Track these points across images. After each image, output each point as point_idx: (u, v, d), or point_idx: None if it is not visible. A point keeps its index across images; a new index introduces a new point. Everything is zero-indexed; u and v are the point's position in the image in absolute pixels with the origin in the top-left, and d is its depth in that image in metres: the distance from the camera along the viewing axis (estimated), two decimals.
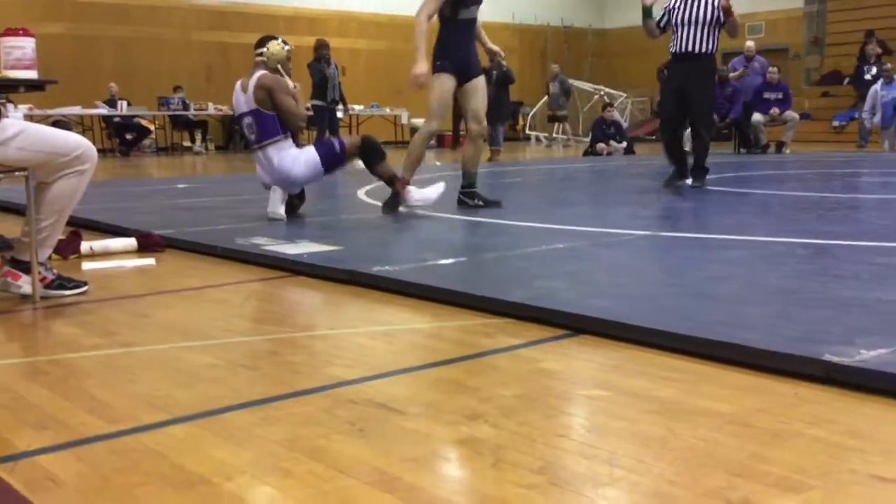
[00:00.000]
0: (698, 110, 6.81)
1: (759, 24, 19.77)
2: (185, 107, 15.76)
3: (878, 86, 13.32)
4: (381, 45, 19.08)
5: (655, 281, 3.15)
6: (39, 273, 3.15)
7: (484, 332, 2.60)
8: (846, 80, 15.93)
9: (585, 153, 13.59)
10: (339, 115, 14.54)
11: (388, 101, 18.38)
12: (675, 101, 6.94)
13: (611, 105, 14.67)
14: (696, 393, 1.98)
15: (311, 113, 11.16)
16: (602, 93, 18.94)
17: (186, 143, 16.31)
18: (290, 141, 5.23)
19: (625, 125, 15.70)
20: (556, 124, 17.32)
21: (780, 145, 12.64)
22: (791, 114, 12.80)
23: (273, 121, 5.13)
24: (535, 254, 3.80)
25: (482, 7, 5.49)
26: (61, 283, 3.22)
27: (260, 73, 5.16)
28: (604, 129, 13.65)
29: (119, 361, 2.37)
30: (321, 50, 10.86)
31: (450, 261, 3.58)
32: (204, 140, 16.54)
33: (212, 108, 16.13)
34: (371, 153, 5.41)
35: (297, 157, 5.20)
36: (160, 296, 3.29)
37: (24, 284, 3.14)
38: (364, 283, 3.27)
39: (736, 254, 3.70)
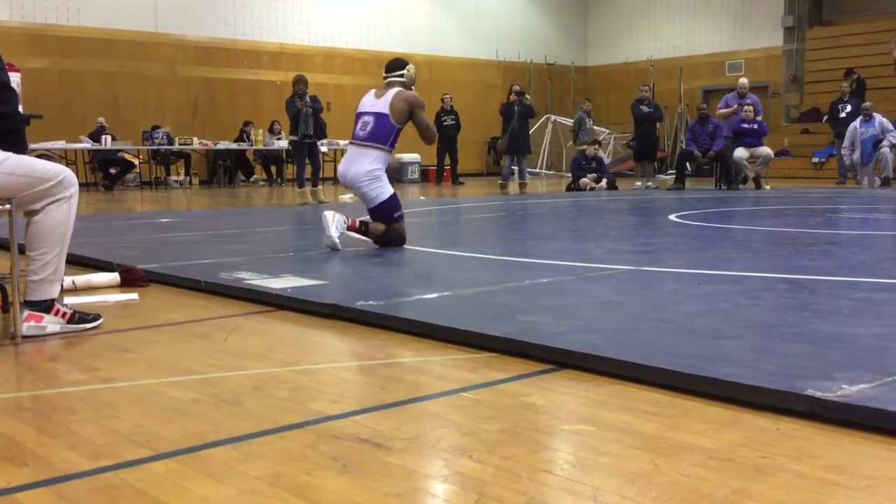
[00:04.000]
0: None
1: (739, 62, 20.09)
2: (170, 141, 15.77)
3: (857, 123, 13.53)
4: (366, 80, 19.17)
5: (638, 315, 3.17)
6: (59, 308, 3.15)
7: (468, 366, 2.60)
8: (824, 118, 16.17)
9: (568, 188, 13.68)
10: (324, 149, 14.63)
11: None
12: None
13: (598, 141, 14.81)
14: (679, 428, 1.99)
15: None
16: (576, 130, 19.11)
17: (174, 177, 16.29)
18: (385, 157, 5.39)
19: (607, 161, 15.84)
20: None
21: (757, 181, 12.78)
22: (765, 149, 12.96)
23: (391, 131, 5.36)
24: (518, 288, 3.81)
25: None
26: (81, 317, 3.22)
27: (398, 88, 5.45)
28: (585, 165, 13.77)
29: (101, 397, 2.35)
30: (297, 85, 10.96)
31: (433, 295, 3.59)
32: (188, 174, 16.53)
33: (196, 143, 16.15)
34: (397, 238, 5.45)
35: (374, 172, 5.34)
36: (143, 331, 3.27)
37: (49, 324, 3.13)
38: (348, 318, 3.27)
39: (717, 288, 3.73)
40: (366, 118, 5.41)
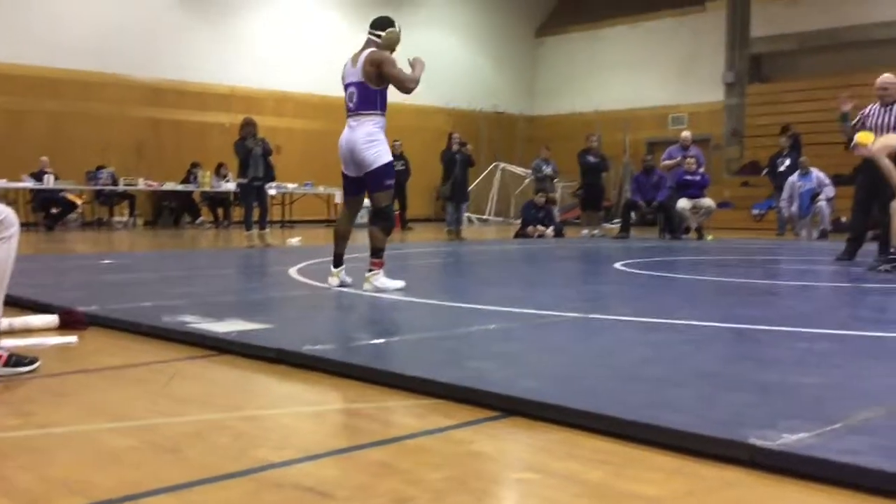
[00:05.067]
0: (889, 195, 7.21)
1: (683, 116, 20.61)
2: (115, 181, 15.54)
3: (795, 177, 13.93)
4: (316, 124, 19.23)
5: (585, 363, 3.19)
6: None
7: (415, 413, 2.58)
8: (764, 171, 16.63)
9: (516, 235, 13.80)
10: (272, 192, 14.56)
11: (322, 180, 18.46)
12: (869, 189, 7.56)
13: (543, 189, 14.98)
14: (624, 476, 1.99)
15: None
16: (533, 177, 19.36)
17: (118, 218, 16.02)
18: (380, 120, 5.39)
19: (555, 209, 16.02)
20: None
21: (700, 231, 13.04)
22: (707, 201, 13.26)
23: (374, 95, 5.34)
24: (466, 334, 3.81)
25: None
26: (18, 359, 3.11)
27: (371, 49, 5.38)
28: (534, 213, 13.92)
29: (36, 443, 2.27)
30: (245, 128, 10.95)
31: (381, 341, 3.56)
32: (132, 215, 16.29)
33: (142, 184, 15.94)
34: (389, 218, 5.48)
35: (373, 136, 5.33)
36: (81, 374, 3.18)
37: None
38: (293, 363, 3.23)
39: (663, 336, 3.77)
40: (350, 89, 5.42)
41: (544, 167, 15.22)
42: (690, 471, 2.02)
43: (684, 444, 2.15)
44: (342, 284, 5.50)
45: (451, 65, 21.46)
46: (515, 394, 2.58)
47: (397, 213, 16.60)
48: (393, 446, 2.24)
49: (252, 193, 10.99)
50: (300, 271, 6.79)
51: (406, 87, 5.39)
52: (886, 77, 7.61)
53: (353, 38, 20.34)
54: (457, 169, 13.12)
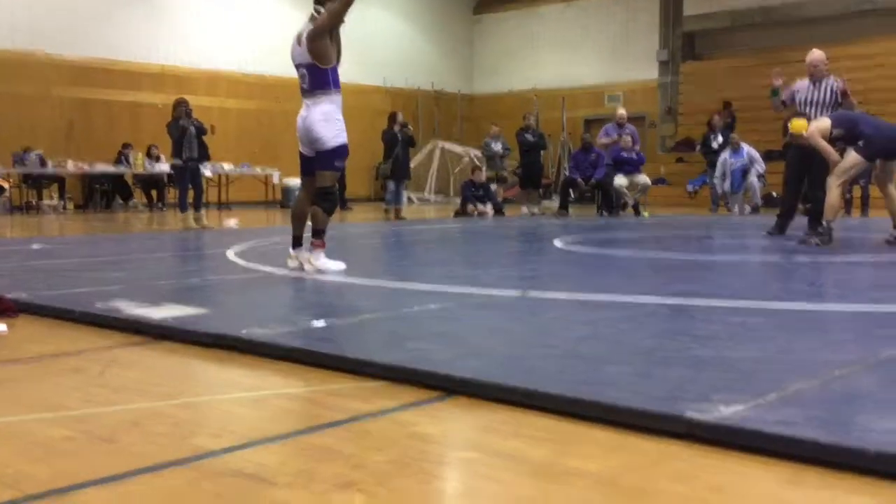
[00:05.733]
0: (819, 172, 7.47)
1: (618, 94, 20.84)
2: (43, 163, 15.09)
3: (727, 154, 14.22)
4: (251, 104, 18.94)
5: (526, 342, 3.21)
6: None
7: (357, 395, 2.57)
8: (697, 148, 16.94)
9: (456, 214, 13.82)
10: (207, 173, 14.30)
11: (259, 160, 18.20)
12: (799, 165, 7.83)
13: (480, 167, 15.02)
14: (567, 453, 2.01)
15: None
16: (472, 155, 19.39)
17: (47, 202, 15.56)
18: (336, 97, 5.31)
19: (494, 187, 16.08)
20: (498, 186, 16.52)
21: (636, 208, 13.24)
22: (643, 178, 13.46)
23: (325, 74, 5.25)
24: (407, 315, 3.80)
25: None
26: None
27: (309, 27, 5.27)
28: (473, 191, 13.95)
29: None
30: (179, 108, 10.72)
31: (322, 323, 3.54)
32: (62, 198, 15.84)
33: (71, 166, 15.50)
34: (333, 198, 5.41)
35: (330, 115, 5.26)
36: (11, 364, 3.08)
37: None
38: (232, 347, 3.18)
39: (602, 314, 3.82)
40: (301, 70, 5.35)
41: (493, 144, 15.26)
42: (631, 445, 2.05)
43: (624, 419, 2.18)
44: (301, 266, 5.42)
45: (388, 43, 21.32)
46: (458, 374, 2.58)
47: (350, 199, 16.46)
48: (335, 430, 2.22)
49: (187, 174, 10.79)
50: (238, 254, 6.69)
51: (343, 5, 5.14)
52: (816, 54, 7.79)
53: (287, 16, 20.08)
54: (398, 148, 13.11)
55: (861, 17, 17.68)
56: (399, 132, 13.24)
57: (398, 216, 12.94)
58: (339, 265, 5.38)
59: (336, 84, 5.32)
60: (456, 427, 2.27)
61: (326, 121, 5.25)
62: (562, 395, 2.33)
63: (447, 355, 2.89)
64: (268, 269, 5.61)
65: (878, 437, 1.92)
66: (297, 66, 5.36)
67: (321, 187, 5.38)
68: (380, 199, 16.61)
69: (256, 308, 4.18)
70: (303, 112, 5.36)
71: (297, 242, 5.53)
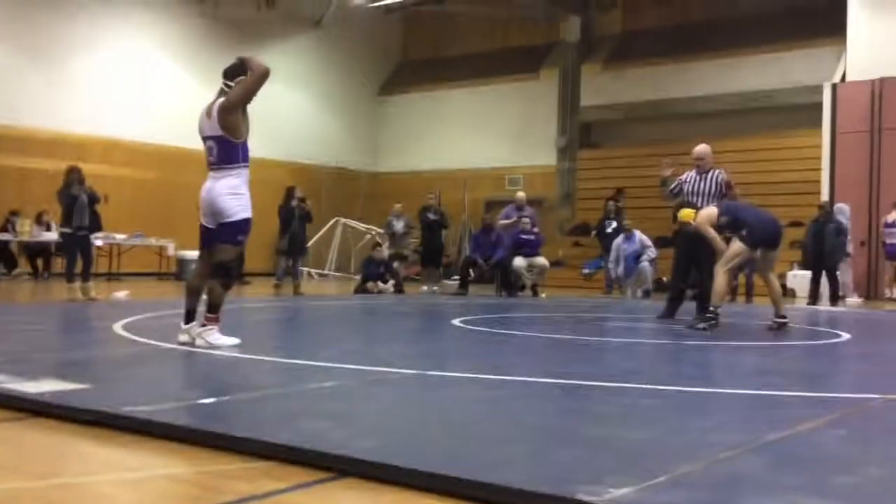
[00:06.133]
0: (706, 260, 7.77)
1: (519, 177, 21.35)
2: None
3: (619, 240, 14.69)
4: (149, 174, 18.56)
5: (422, 421, 3.18)
6: None
7: (244, 476, 2.47)
8: (592, 233, 17.45)
9: (356, 291, 13.74)
10: (98, 243, 13.84)
11: (154, 231, 17.75)
12: (688, 252, 8.24)
13: (381, 245, 15.04)
14: None
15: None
16: (373, 233, 19.43)
17: None
18: (244, 172, 5.24)
19: (395, 265, 16.11)
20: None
21: (534, 289, 13.46)
22: (541, 260, 13.74)
23: (235, 149, 5.20)
24: (301, 393, 3.72)
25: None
26: None
27: (220, 100, 5.22)
28: (375, 268, 13.93)
29: None
30: (71, 174, 10.43)
31: (211, 400, 3.42)
32: None
33: None
34: (230, 273, 5.33)
35: (237, 189, 5.19)
36: None
37: None
38: (113, 426, 3.02)
39: (498, 393, 3.83)
40: (209, 143, 5.25)
41: (395, 222, 15.34)
42: None
43: (517, 501, 2.16)
44: (192, 341, 5.23)
45: (293, 119, 21.38)
46: (349, 454, 2.52)
47: None
48: None
49: (76, 244, 10.42)
50: (126, 327, 6.44)
51: (257, 80, 5.18)
52: (702, 148, 8.21)
53: (189, 88, 19.94)
54: (295, 223, 13.09)
55: (744, 114, 18.78)
56: (296, 207, 13.24)
57: (297, 291, 12.78)
58: (233, 341, 5.25)
59: (245, 158, 5.28)
60: None
61: (232, 195, 5.18)
62: (454, 476, 2.30)
63: (340, 435, 2.83)
64: (157, 343, 5.41)
65: None
66: (206, 139, 5.28)
67: (220, 261, 5.27)
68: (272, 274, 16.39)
69: (142, 384, 4.01)
70: (208, 184, 5.27)
71: (189, 317, 5.36)
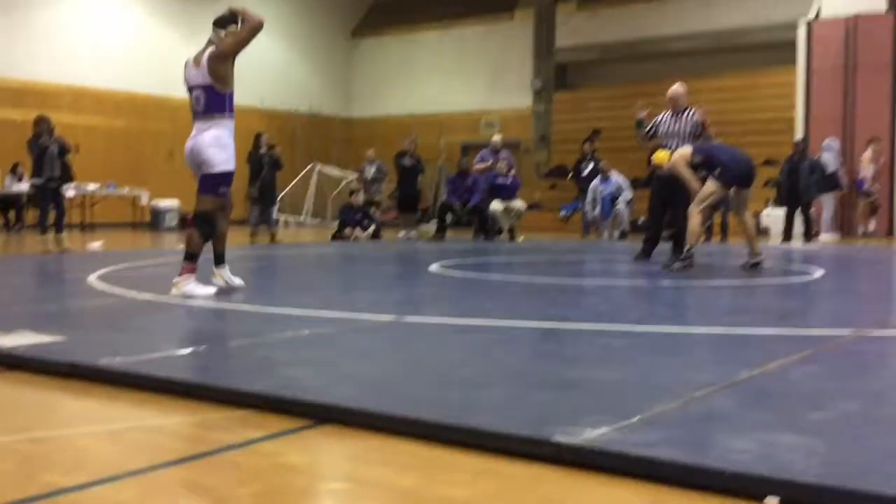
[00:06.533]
0: (681, 201, 7.73)
1: (494, 120, 21.23)
2: None
3: (596, 181, 14.69)
4: (119, 122, 18.26)
5: (399, 367, 3.19)
6: None
7: (223, 426, 2.48)
8: (569, 175, 17.44)
9: (333, 237, 13.70)
10: (70, 193, 13.67)
11: (127, 180, 17.55)
12: (663, 194, 8.18)
13: (358, 191, 14.96)
14: (435, 480, 1.99)
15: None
16: (349, 179, 19.31)
17: None
18: (230, 123, 5.27)
19: (371, 211, 16.04)
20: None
21: (512, 232, 13.48)
22: (518, 203, 13.73)
23: (222, 98, 5.22)
24: (278, 341, 3.72)
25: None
26: None
27: (210, 49, 5.22)
28: (351, 215, 13.88)
29: None
30: (39, 125, 10.22)
31: (188, 350, 3.41)
32: None
33: None
34: (211, 223, 5.33)
35: (221, 139, 5.21)
36: None
37: None
38: (89, 377, 3.01)
39: (475, 338, 3.84)
40: (196, 93, 5.26)
41: (368, 168, 15.23)
42: (500, 470, 2.06)
43: (494, 444, 2.18)
44: (227, 284, 5.40)
45: (264, 64, 20.98)
46: (327, 401, 2.53)
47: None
48: (198, 463, 2.13)
49: (48, 195, 10.27)
50: (101, 278, 6.39)
51: (251, 31, 5.20)
52: (676, 88, 8.17)
53: (159, 34, 19.53)
54: (265, 171, 12.96)
55: (719, 52, 18.70)
56: (265, 154, 13.09)
57: (273, 239, 12.72)
58: (209, 290, 5.24)
59: (231, 109, 5.28)
60: (324, 457, 2.22)
61: (217, 146, 5.20)
62: (431, 420, 2.32)
63: (318, 382, 2.83)
64: (133, 294, 5.38)
65: (736, 456, 1.99)
66: (192, 88, 5.28)
67: (201, 211, 5.28)
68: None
69: (118, 336, 3.98)
70: (193, 136, 5.29)
71: (218, 260, 5.46)
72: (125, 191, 17.23)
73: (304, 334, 3.88)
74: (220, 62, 5.16)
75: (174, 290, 5.16)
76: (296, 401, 2.57)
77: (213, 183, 5.24)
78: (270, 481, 1.97)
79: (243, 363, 3.24)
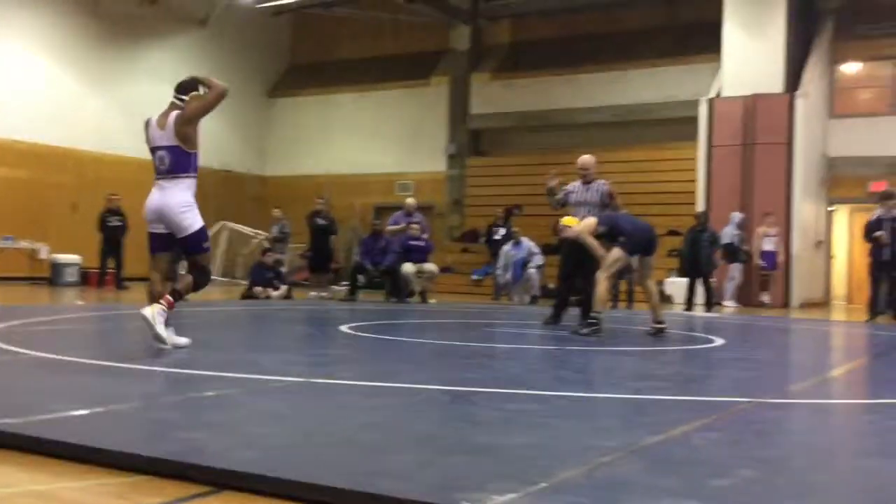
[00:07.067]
0: (589, 268, 7.88)
1: (409, 183, 21.39)
2: None
3: (508, 246, 14.91)
4: (20, 173, 17.65)
5: (306, 430, 3.11)
6: None
7: (115, 492, 2.36)
8: (481, 239, 17.66)
9: (243, 296, 13.45)
10: None
11: (26, 233, 16.92)
12: (572, 260, 8.38)
13: (270, 250, 14.78)
14: None
15: None
16: (261, 237, 19.07)
17: None
18: (193, 182, 5.51)
19: (284, 270, 15.85)
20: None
21: (423, 295, 13.49)
22: (431, 266, 13.79)
23: (188, 158, 5.46)
24: (180, 403, 3.59)
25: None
26: None
27: (176, 112, 5.45)
28: (263, 274, 13.67)
29: None
30: None
31: (83, 412, 3.26)
32: None
33: None
34: (208, 276, 5.71)
35: (188, 203, 5.45)
36: None
37: None
38: None
39: (385, 401, 3.80)
40: (160, 153, 5.48)
41: (273, 229, 15.11)
42: None
43: None
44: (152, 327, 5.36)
45: None
46: (229, 466, 2.45)
47: (112, 271, 15.59)
48: None
49: None
50: None
51: (217, 97, 5.51)
52: (586, 158, 8.42)
53: (65, 82, 19.08)
54: None
55: (627, 126, 19.40)
56: None
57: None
58: (184, 340, 5.49)
59: (196, 168, 5.56)
60: None
61: (187, 209, 5.47)
62: (335, 487, 2.26)
63: (219, 446, 2.74)
64: (28, 352, 5.14)
65: None
66: (157, 149, 5.51)
67: (202, 266, 5.65)
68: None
69: (11, 395, 3.78)
70: (157, 194, 5.49)
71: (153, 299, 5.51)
72: (24, 244, 16.60)
73: (207, 396, 3.76)
74: (186, 125, 5.44)
75: (146, 311, 5.33)
76: (194, 465, 2.47)
77: (197, 241, 5.54)
78: None
79: (140, 426, 3.12)
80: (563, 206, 8.47)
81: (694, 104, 16.60)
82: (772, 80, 15.99)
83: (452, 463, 2.59)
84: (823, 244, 17.38)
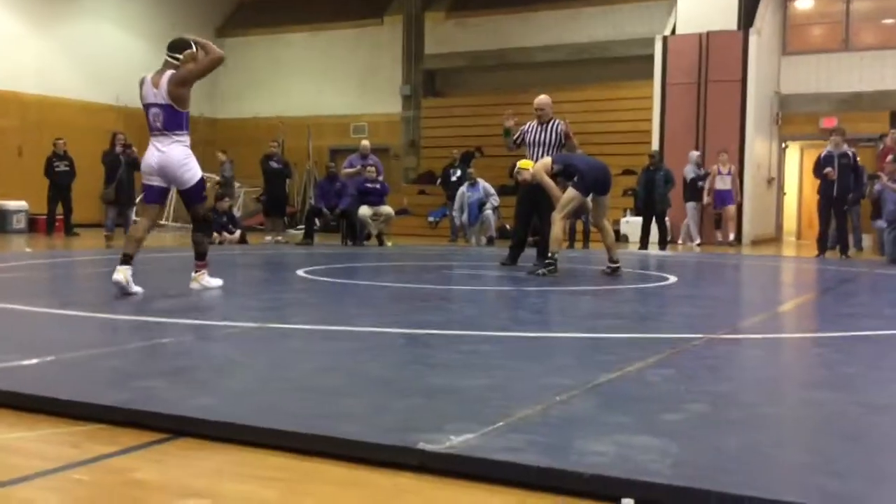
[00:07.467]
0: (545, 209, 7.91)
1: (364, 125, 21.16)
2: None
3: (464, 188, 14.87)
4: None
5: (262, 376, 3.10)
6: None
7: (69, 441, 2.34)
8: (437, 181, 17.60)
9: None
10: None
11: None
12: (528, 201, 8.34)
13: (224, 195, 14.56)
14: (298, 492, 1.95)
15: None
16: (213, 181, 18.78)
17: None
18: (188, 139, 5.73)
19: (238, 214, 15.68)
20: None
21: (380, 237, 13.46)
22: (387, 208, 13.73)
23: (181, 117, 5.65)
24: (133, 350, 3.56)
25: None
26: None
27: (170, 72, 5.60)
28: (217, 219, 13.50)
29: None
30: None
31: (34, 361, 3.21)
32: None
33: None
34: (210, 224, 6.06)
35: (188, 156, 5.68)
36: None
37: None
38: None
39: (341, 345, 3.79)
40: (154, 110, 5.64)
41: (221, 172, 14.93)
42: (364, 480, 2.03)
43: (358, 453, 2.15)
44: (126, 282, 5.53)
45: (124, 62, 20.11)
46: (184, 413, 2.43)
47: (61, 217, 15.27)
48: (40, 481, 2.00)
49: None
50: None
51: (211, 62, 5.70)
52: (542, 98, 8.37)
53: (6, 25, 18.38)
54: (121, 171, 12.49)
55: (582, 64, 19.33)
56: (121, 154, 12.60)
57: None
58: (219, 282, 6.01)
59: (188, 126, 5.78)
60: (179, 471, 2.12)
61: (188, 161, 5.69)
62: (293, 430, 2.26)
63: (175, 394, 2.72)
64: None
65: (594, 459, 2.04)
66: (150, 106, 5.66)
67: (202, 216, 6.02)
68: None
69: None
70: (155, 153, 5.67)
71: (126, 260, 5.65)
72: None
73: (162, 343, 3.72)
74: (180, 86, 5.59)
75: (194, 285, 5.87)
76: (150, 413, 2.46)
77: (197, 192, 5.82)
78: (117, 500, 1.87)
79: (94, 374, 3.08)
80: (519, 146, 8.44)
81: (650, 42, 16.56)
82: (726, 16, 15.99)
83: (410, 405, 2.60)
84: (775, 181, 17.63)
